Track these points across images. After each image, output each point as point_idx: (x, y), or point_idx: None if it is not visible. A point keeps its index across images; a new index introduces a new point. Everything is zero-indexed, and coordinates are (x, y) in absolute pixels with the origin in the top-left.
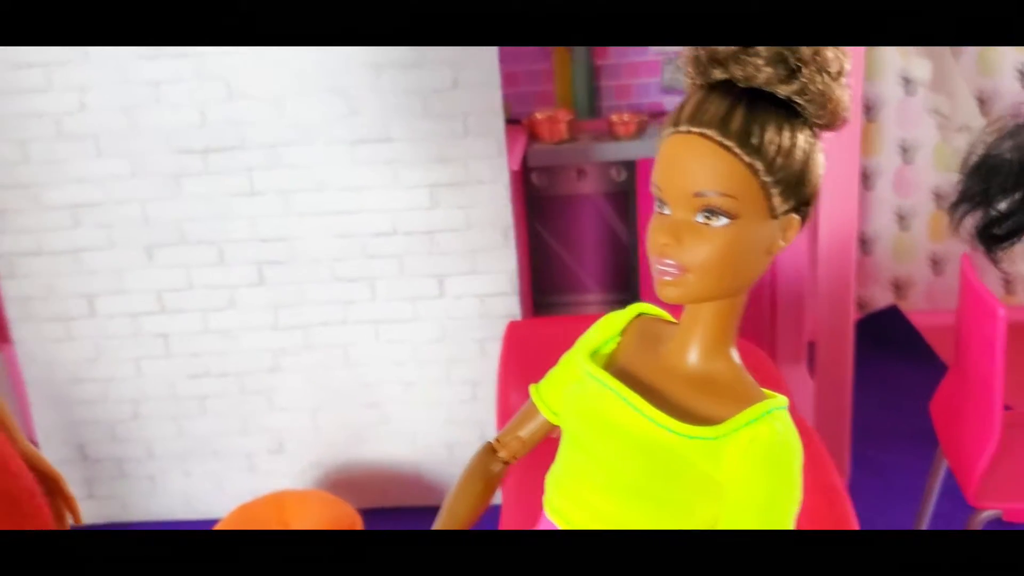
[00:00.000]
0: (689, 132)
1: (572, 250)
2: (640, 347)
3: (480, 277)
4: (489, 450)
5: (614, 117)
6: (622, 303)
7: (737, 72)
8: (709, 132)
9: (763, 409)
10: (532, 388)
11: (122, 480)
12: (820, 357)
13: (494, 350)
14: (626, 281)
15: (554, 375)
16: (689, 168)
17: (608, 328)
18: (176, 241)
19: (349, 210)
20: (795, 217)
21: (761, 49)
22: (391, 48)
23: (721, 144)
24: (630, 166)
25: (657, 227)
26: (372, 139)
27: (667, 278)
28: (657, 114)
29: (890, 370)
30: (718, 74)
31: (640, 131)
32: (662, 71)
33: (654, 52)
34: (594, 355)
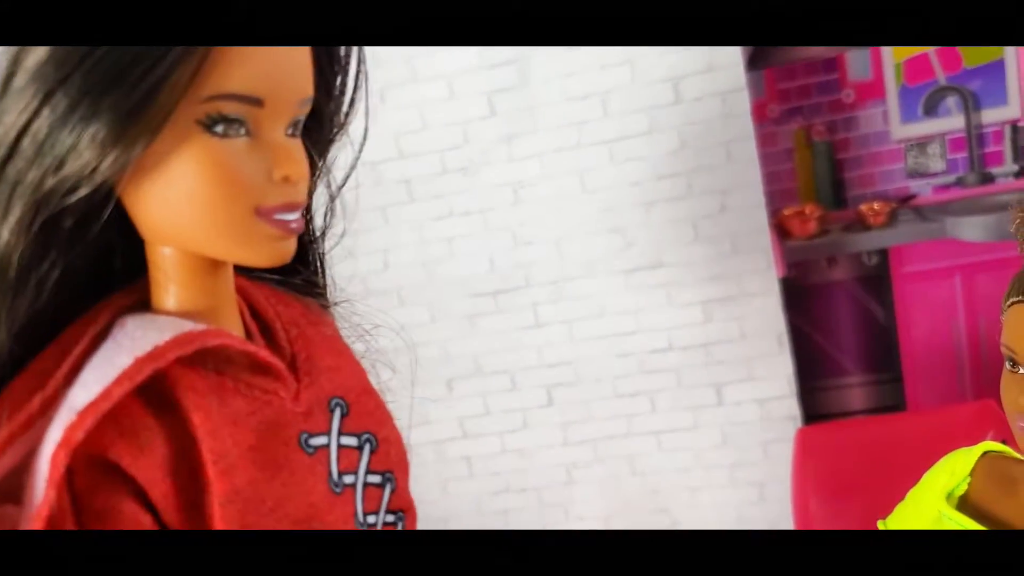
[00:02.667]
0: None
1: (829, 335)
2: (996, 488)
3: (758, 383)
4: None
5: (863, 207)
6: (885, 383)
7: None
8: None
9: None
10: (880, 524)
11: None
12: None
13: (778, 452)
14: (887, 360)
15: (904, 513)
16: None
17: (958, 468)
18: (473, 373)
19: (626, 331)
20: None
21: None
22: (661, 183)
23: None
24: (882, 250)
25: (1014, 387)
26: (646, 266)
27: None
28: (906, 199)
29: None
30: None
31: (892, 219)
32: (905, 157)
33: (895, 140)
34: (948, 497)
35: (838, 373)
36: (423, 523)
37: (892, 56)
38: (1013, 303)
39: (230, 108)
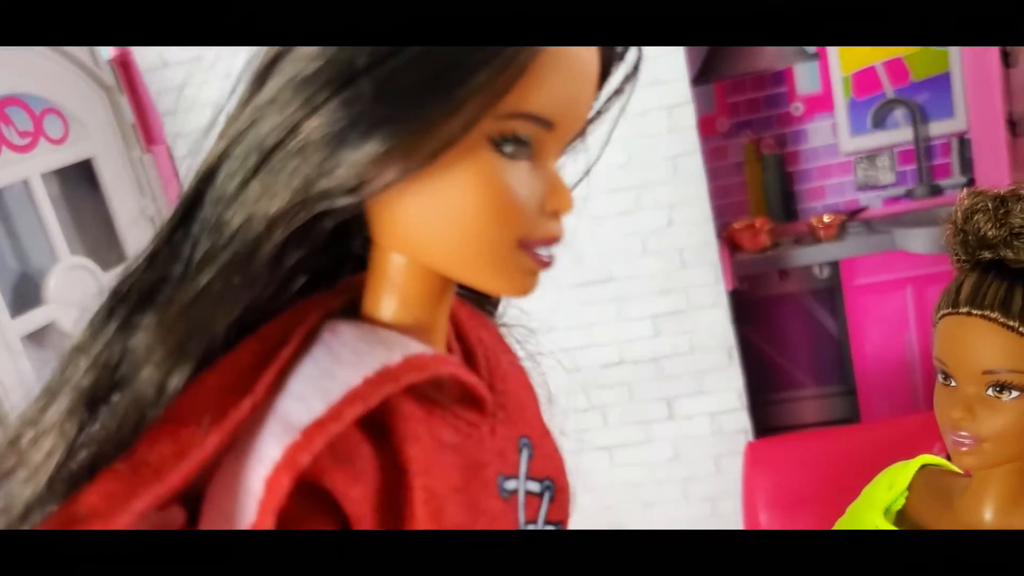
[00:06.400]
0: (970, 314)
1: (781, 348)
2: (934, 503)
3: (709, 397)
4: None
5: (813, 220)
6: (838, 396)
7: (1009, 255)
8: (992, 315)
9: None
10: None
11: None
12: None
13: (729, 466)
14: (840, 373)
15: (844, 528)
16: (976, 349)
17: (896, 482)
18: None
19: (577, 345)
20: None
21: None
22: (609, 197)
23: (1005, 325)
24: (833, 262)
25: (947, 400)
26: (596, 280)
27: (963, 448)
28: (855, 212)
29: None
30: (987, 255)
31: (842, 232)
32: (855, 170)
33: (844, 153)
34: (886, 512)
35: (791, 386)
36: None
37: (840, 69)
38: (944, 315)
39: (526, 129)
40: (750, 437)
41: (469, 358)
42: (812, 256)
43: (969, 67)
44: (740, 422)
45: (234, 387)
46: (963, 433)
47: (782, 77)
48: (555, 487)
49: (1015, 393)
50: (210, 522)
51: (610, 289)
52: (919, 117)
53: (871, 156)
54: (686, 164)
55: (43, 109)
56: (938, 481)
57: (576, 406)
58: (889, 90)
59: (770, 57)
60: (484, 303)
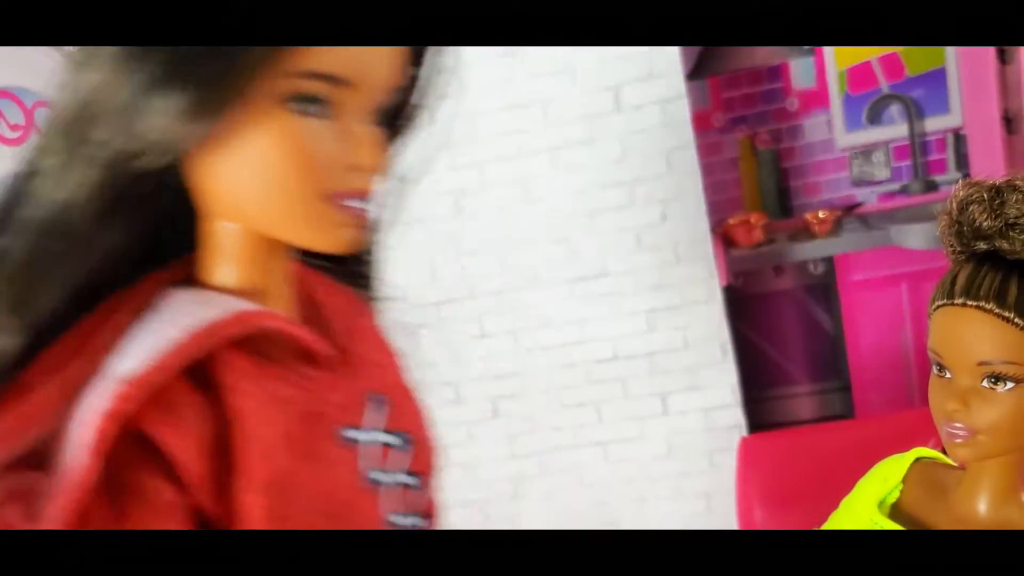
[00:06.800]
0: (965, 305)
1: (776, 344)
2: (928, 496)
3: (703, 392)
4: None
5: (809, 216)
6: (834, 392)
7: (1004, 246)
8: (987, 306)
9: None
10: None
11: None
12: None
13: (723, 462)
14: (835, 369)
15: (838, 522)
16: (971, 340)
17: (890, 476)
18: (416, 386)
19: (572, 341)
20: None
21: None
22: (604, 192)
23: (1000, 316)
24: (827, 258)
25: (941, 392)
26: (590, 276)
27: (958, 440)
28: (851, 207)
29: None
30: (982, 246)
31: (837, 227)
32: (850, 166)
33: (840, 149)
34: (880, 505)
35: (786, 382)
36: None
37: (835, 64)
38: (939, 307)
39: (315, 87)
40: (744, 433)
41: (317, 320)
42: (807, 252)
43: (965, 63)
44: (734, 418)
45: (70, 353)
46: (957, 425)
47: (778, 72)
48: (413, 440)
49: (1010, 384)
50: (56, 474)
51: (604, 284)
52: (914, 113)
53: (866, 152)
54: (680, 159)
55: (34, 103)
56: (932, 474)
57: (571, 402)
58: (884, 85)
59: (765, 52)
60: (358, 281)
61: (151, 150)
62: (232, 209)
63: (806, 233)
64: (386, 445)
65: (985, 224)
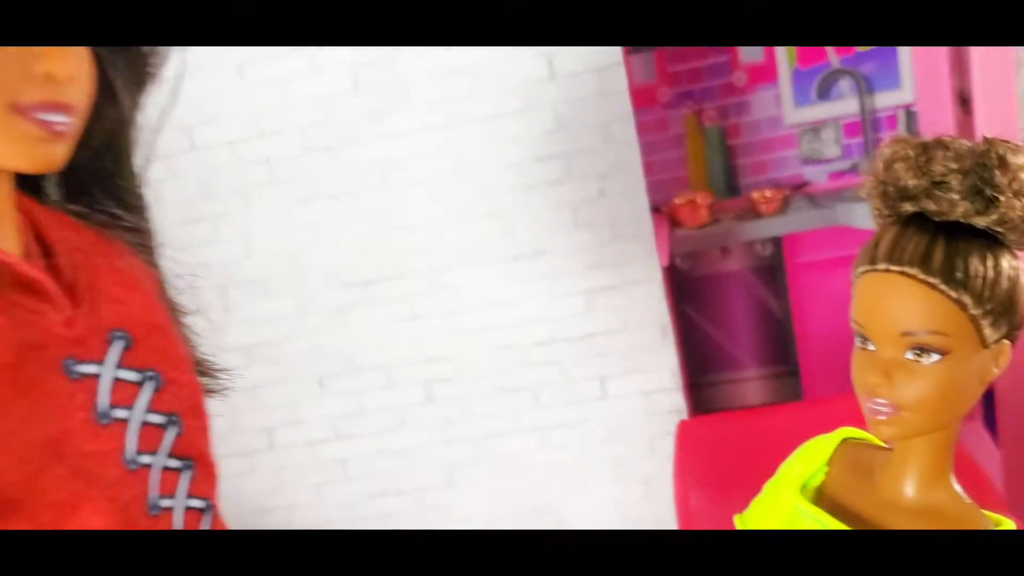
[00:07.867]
0: (888, 271)
1: (723, 328)
2: (853, 479)
3: (643, 376)
4: None
5: (755, 194)
6: (782, 377)
7: (930, 207)
8: (911, 271)
9: None
10: (737, 519)
11: None
12: (1004, 414)
13: (664, 447)
14: (783, 353)
15: (761, 508)
16: (894, 308)
17: (815, 458)
18: (345, 369)
19: (507, 323)
20: (1006, 343)
21: (954, 182)
22: (539, 165)
23: (925, 282)
24: (776, 239)
25: (864, 365)
26: (526, 254)
27: (881, 417)
28: (799, 186)
29: None
30: (908, 208)
31: (784, 206)
32: (799, 143)
33: (788, 125)
34: (803, 489)
35: (733, 367)
36: (297, 526)
37: None
38: (861, 273)
39: None
40: (685, 417)
41: (48, 255)
42: (754, 232)
43: None
44: (675, 402)
45: None
46: (881, 401)
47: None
48: (162, 379)
49: (935, 357)
50: None
51: (541, 264)
52: (864, 88)
53: (816, 128)
54: (618, 131)
55: None
56: (859, 455)
57: (507, 386)
58: (834, 60)
59: None
60: (116, 224)
61: None
62: None
63: (753, 213)
64: (130, 382)
65: (911, 183)
